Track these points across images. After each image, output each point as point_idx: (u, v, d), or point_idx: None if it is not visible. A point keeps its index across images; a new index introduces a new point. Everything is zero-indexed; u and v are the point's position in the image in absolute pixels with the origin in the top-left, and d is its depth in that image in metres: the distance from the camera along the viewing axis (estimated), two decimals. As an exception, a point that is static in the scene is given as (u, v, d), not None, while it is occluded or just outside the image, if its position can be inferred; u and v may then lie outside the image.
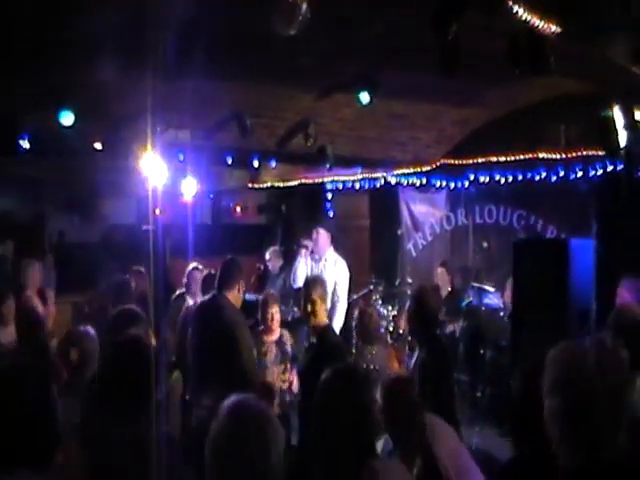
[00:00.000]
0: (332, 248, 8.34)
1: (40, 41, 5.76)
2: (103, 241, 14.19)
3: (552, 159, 8.38)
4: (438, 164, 10.13)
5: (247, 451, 2.19)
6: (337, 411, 2.77)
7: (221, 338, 5.22)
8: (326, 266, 8.17)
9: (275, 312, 6.34)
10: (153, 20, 5.00)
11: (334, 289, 7.89)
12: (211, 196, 14.69)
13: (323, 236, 8.27)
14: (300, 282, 8.24)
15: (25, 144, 7.22)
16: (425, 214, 11.09)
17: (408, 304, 5.60)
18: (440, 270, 9.36)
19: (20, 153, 7.37)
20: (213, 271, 7.15)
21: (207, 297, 5.84)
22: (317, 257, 8.30)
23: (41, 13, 5.24)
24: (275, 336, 6.35)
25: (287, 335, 6.45)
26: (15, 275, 10.61)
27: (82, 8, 5.21)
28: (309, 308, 5.37)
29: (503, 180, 9.19)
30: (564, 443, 2.36)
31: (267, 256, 10.11)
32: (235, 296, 5.60)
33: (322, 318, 5.45)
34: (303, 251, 8.38)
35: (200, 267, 7.78)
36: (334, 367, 2.99)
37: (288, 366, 6.26)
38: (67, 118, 6.79)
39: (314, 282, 5.60)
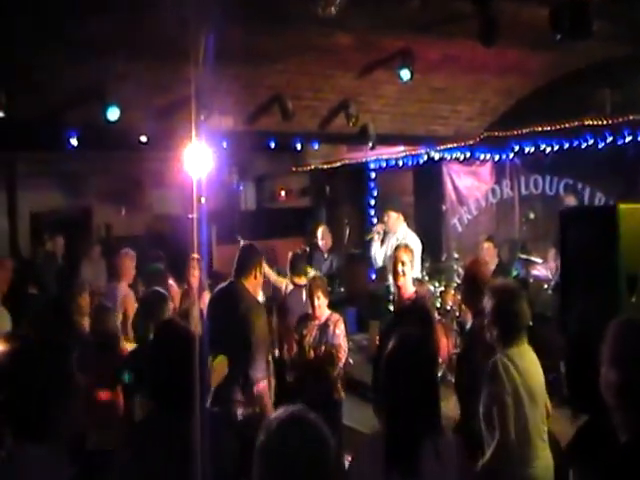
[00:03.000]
0: (405, 225, 8.66)
1: (82, 37, 5.90)
2: (149, 232, 14.43)
3: (599, 125, 8.29)
4: (481, 136, 10.07)
5: (300, 463, 2.18)
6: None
7: (234, 327, 5.10)
8: (398, 240, 8.34)
9: (319, 297, 6.37)
10: (191, 9, 5.09)
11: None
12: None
13: (393, 217, 8.60)
14: (380, 262, 8.77)
15: (73, 141, 7.39)
16: (470, 188, 11.06)
17: (461, 277, 5.65)
18: (486, 245, 9.33)
19: (68, 149, 7.56)
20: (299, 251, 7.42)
21: (224, 284, 5.65)
22: (391, 234, 8.61)
23: (82, 10, 5.37)
24: (320, 321, 6.39)
25: (334, 320, 6.42)
26: (66, 269, 10.95)
27: (120, 3, 5.33)
28: (399, 268, 5.93)
29: (549, 149, 9.13)
30: (619, 414, 2.39)
31: (319, 234, 10.20)
32: (252, 282, 5.44)
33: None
34: (376, 236, 8.75)
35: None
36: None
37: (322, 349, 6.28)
38: (113, 113, 6.93)
39: (404, 247, 6.22)
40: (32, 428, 2.38)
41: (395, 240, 8.35)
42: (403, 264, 6.00)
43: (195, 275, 7.69)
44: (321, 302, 6.38)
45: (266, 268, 7.00)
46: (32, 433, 2.38)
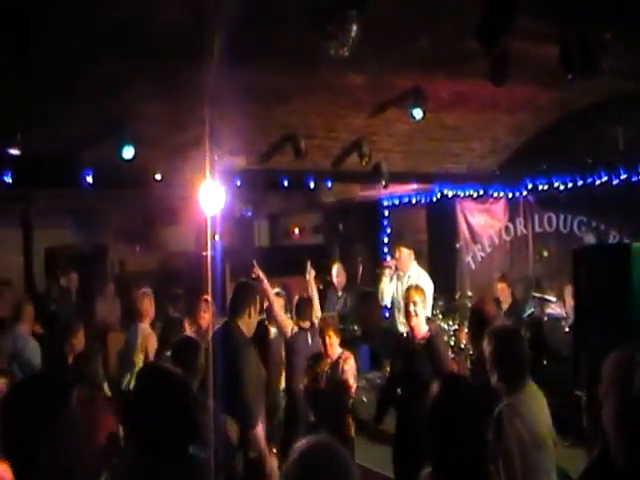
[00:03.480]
0: (415, 263, 8.50)
1: (98, 76, 6.00)
2: (163, 269, 14.48)
3: (613, 162, 8.28)
4: (494, 174, 10.10)
5: None
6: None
7: (226, 370, 4.91)
8: (410, 281, 8.26)
9: (330, 336, 6.40)
10: (205, 50, 5.18)
11: None
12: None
13: (405, 253, 8.42)
14: (387, 300, 8.59)
15: (89, 179, 7.47)
16: (483, 225, 11.05)
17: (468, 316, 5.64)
18: (500, 286, 9.27)
19: (83, 187, 7.65)
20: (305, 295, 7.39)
21: (219, 325, 5.60)
22: (401, 274, 8.42)
23: (99, 48, 5.47)
24: (332, 359, 6.41)
25: (345, 357, 6.42)
26: (80, 305, 10.99)
27: (140, 43, 5.43)
28: (411, 309, 5.99)
29: (562, 187, 9.13)
30: (618, 444, 2.36)
31: (334, 272, 10.19)
32: (246, 321, 5.36)
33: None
34: (387, 271, 8.51)
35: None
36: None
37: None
38: (128, 151, 7.03)
39: (415, 287, 6.27)
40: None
41: (407, 278, 8.32)
42: (415, 304, 6.01)
43: (205, 317, 7.67)
44: (332, 341, 6.40)
45: (277, 307, 7.02)
46: None
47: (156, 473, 2.79)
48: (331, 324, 6.57)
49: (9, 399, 2.47)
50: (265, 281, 6.94)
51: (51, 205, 11.79)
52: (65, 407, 2.45)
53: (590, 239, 8.99)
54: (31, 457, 2.33)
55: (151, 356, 7.04)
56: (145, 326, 7.47)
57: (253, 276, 7.54)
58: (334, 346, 6.42)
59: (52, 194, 10.17)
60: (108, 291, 11.38)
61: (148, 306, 7.62)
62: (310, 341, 6.92)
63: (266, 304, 7.05)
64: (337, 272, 10.18)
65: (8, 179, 7.19)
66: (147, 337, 7.31)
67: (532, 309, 8.90)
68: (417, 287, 6.39)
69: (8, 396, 2.50)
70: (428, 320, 6.38)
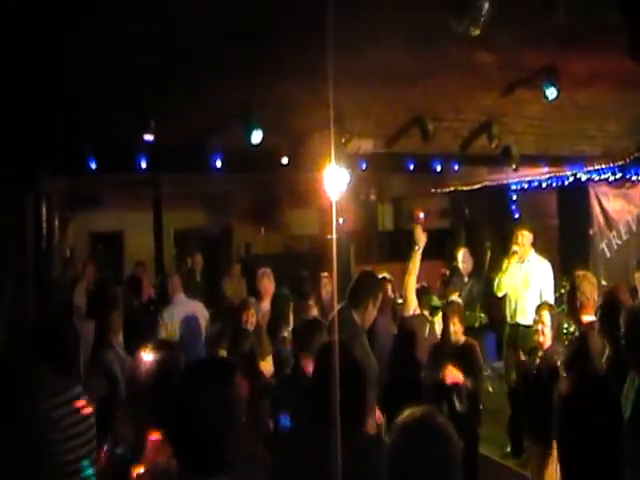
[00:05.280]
0: (533, 251, 8.24)
1: (226, 62, 6.14)
2: (287, 251, 14.75)
3: None
4: (633, 156, 9.61)
5: (428, 469, 2.18)
6: None
7: None
8: (530, 268, 8.05)
9: (455, 323, 6.31)
10: (328, 32, 5.19)
11: (539, 294, 7.81)
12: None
13: (527, 237, 8.19)
14: (503, 292, 8.31)
15: (218, 163, 7.68)
16: (620, 211, 10.61)
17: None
18: (638, 275, 8.84)
19: (213, 172, 7.87)
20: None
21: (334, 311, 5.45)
22: (521, 259, 8.18)
23: (228, 34, 5.60)
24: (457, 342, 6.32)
25: (472, 341, 6.39)
26: (206, 286, 11.38)
27: (266, 27, 5.52)
28: (539, 328, 5.89)
29: None
30: None
31: (460, 257, 10.02)
32: (363, 314, 5.27)
33: None
34: (513, 259, 8.21)
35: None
36: None
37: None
38: (256, 136, 7.16)
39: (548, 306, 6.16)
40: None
41: (527, 264, 8.06)
42: (544, 324, 5.93)
43: (327, 291, 7.83)
44: (457, 328, 6.32)
45: (412, 280, 6.67)
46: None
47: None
48: (457, 310, 6.47)
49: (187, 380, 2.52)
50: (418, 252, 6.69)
51: (179, 190, 12.24)
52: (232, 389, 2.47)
53: None
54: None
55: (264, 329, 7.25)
56: (265, 304, 7.76)
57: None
58: (458, 334, 6.34)
59: (180, 179, 10.52)
60: (235, 272, 11.70)
61: (268, 285, 7.88)
62: (427, 330, 6.75)
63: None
64: (463, 257, 9.99)
65: (143, 164, 7.49)
66: (265, 315, 7.54)
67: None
68: (549, 305, 6.24)
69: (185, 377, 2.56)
70: (549, 307, 6.16)
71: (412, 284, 6.56)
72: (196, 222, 14.56)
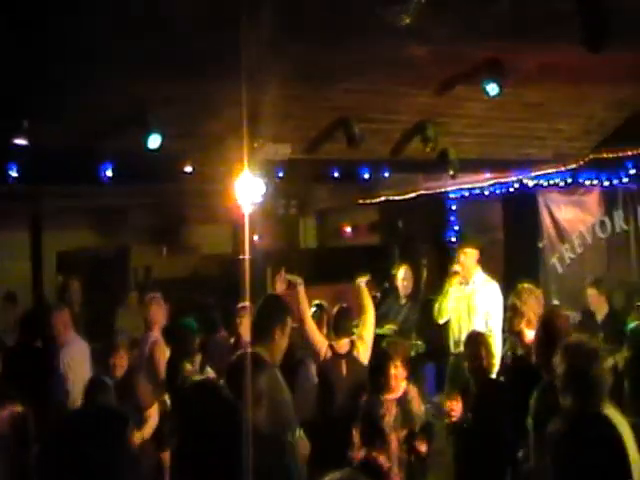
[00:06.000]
0: (480, 270, 8.34)
1: (120, 54, 6.02)
2: (195, 275, 14.59)
3: None
4: (587, 158, 9.87)
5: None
6: None
7: None
8: (475, 291, 8.14)
9: (397, 366, 6.09)
10: (245, 25, 5.16)
11: (485, 321, 7.90)
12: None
13: (471, 255, 8.30)
14: (444, 318, 8.41)
15: (109, 172, 7.52)
16: (572, 221, 10.88)
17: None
18: (590, 292, 9.09)
19: (102, 182, 7.70)
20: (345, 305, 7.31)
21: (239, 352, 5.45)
22: (464, 281, 8.29)
23: (122, 25, 5.49)
24: (397, 394, 6.11)
25: (414, 391, 6.22)
26: (92, 317, 11.07)
27: (164, 22, 5.44)
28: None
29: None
30: None
31: (400, 274, 10.03)
32: (270, 347, 5.12)
33: None
34: (454, 280, 8.32)
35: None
36: None
37: (413, 431, 6.01)
38: (154, 140, 7.04)
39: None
40: None
41: (471, 286, 8.19)
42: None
43: (245, 324, 7.75)
44: (399, 372, 6.12)
45: (310, 322, 6.95)
46: None
47: None
48: (401, 351, 6.33)
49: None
50: (301, 287, 6.88)
51: (64, 204, 11.93)
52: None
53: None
54: None
55: (162, 367, 7.23)
56: (154, 334, 7.71)
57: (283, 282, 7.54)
58: (399, 378, 6.14)
59: (66, 192, 10.26)
60: (130, 301, 11.47)
61: (157, 312, 7.87)
62: (344, 372, 6.76)
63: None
64: (404, 275, 9.99)
65: (13, 173, 7.20)
66: (154, 345, 7.44)
67: (636, 322, 8.70)
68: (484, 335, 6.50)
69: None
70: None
71: (311, 324, 6.90)
72: (85, 243, 14.23)
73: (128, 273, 15.06)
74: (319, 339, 6.93)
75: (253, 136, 7.06)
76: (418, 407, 6.15)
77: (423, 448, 5.95)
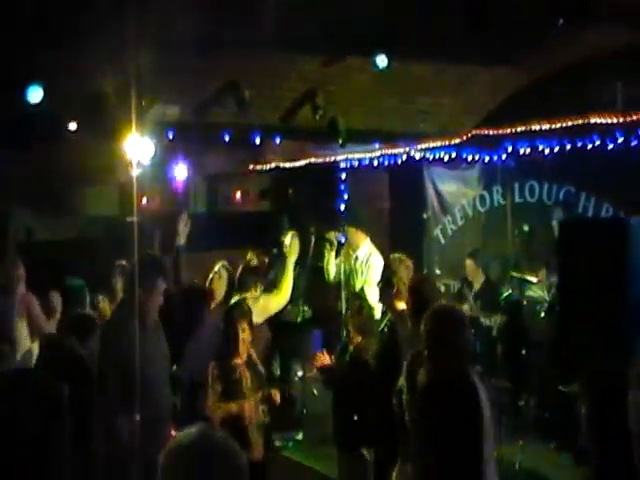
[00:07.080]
0: (368, 242, 8.41)
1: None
2: (79, 237, 14.24)
3: (608, 124, 8.16)
4: (469, 134, 10.06)
5: None
6: None
7: None
8: (357, 263, 8.27)
9: (244, 330, 5.81)
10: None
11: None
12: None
13: (352, 233, 8.44)
14: (331, 276, 8.54)
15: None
16: (455, 194, 11.05)
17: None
18: (468, 262, 9.34)
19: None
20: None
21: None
22: (350, 252, 8.41)
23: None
24: (244, 357, 5.86)
25: (254, 353, 6.06)
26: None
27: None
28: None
29: (547, 151, 9.07)
30: None
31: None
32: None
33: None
34: (327, 244, 8.47)
35: None
36: None
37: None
38: (35, 94, 6.79)
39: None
40: None
41: (354, 259, 8.30)
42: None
43: (121, 282, 7.62)
44: (245, 336, 5.83)
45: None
46: None
47: None
48: (247, 312, 6.02)
49: None
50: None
51: None
52: None
53: (558, 214, 9.06)
54: None
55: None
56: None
57: None
58: (246, 343, 5.86)
59: None
60: (8, 262, 11.10)
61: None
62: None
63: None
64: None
65: None
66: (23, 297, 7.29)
67: (509, 291, 8.98)
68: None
69: None
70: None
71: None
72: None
73: (7, 235, 14.58)
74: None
75: (141, 96, 6.91)
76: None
77: (277, 397, 5.86)
